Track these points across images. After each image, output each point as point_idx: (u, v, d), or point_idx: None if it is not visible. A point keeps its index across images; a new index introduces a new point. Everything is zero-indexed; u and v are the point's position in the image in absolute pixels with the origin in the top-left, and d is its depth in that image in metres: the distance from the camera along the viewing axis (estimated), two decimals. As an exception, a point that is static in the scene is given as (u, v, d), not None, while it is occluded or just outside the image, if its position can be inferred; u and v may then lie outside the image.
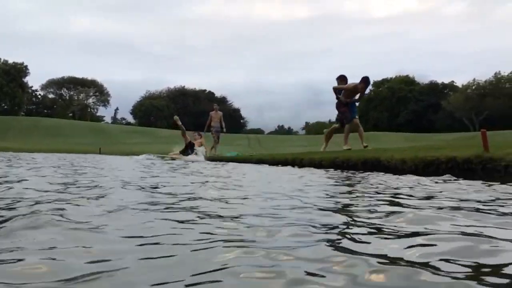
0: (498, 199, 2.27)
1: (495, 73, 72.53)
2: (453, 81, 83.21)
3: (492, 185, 3.28)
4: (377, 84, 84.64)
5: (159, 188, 2.94)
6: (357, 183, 3.70)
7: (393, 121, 76.74)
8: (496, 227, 1.39)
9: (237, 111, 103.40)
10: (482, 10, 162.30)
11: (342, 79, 11.33)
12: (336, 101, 11.20)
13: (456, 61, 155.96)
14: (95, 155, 20.23)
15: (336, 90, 11.21)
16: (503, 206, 1.96)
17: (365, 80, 10.94)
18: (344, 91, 11.02)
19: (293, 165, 8.61)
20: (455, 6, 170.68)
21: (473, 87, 72.67)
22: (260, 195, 2.43)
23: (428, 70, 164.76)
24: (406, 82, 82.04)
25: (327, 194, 2.57)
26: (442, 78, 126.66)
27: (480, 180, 3.87)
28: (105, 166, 6.93)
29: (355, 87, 10.93)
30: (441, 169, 5.01)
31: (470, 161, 4.80)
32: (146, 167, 6.92)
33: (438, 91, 78.56)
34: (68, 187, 2.74)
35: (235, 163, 11.20)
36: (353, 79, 11.33)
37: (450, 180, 4.05)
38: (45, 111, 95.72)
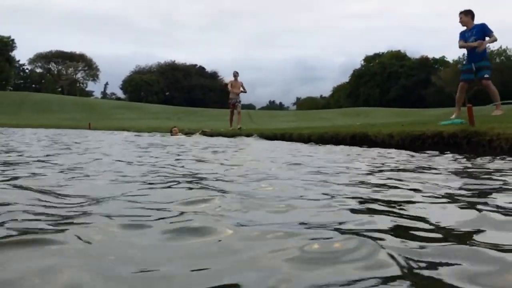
0: None
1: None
2: (444, 56, 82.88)
3: None
4: (368, 59, 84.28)
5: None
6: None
7: (384, 97, 76.78)
8: None
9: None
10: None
11: (466, 13, 8.31)
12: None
13: (447, 36, 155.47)
14: (85, 131, 20.08)
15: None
16: None
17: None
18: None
19: (282, 140, 8.69)
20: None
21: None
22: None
23: (420, 45, 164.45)
24: (397, 57, 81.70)
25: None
26: (434, 53, 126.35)
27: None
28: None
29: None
30: (427, 144, 5.10)
31: (455, 135, 4.89)
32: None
33: (428, 66, 78.42)
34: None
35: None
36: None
37: None
38: (33, 86, 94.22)
